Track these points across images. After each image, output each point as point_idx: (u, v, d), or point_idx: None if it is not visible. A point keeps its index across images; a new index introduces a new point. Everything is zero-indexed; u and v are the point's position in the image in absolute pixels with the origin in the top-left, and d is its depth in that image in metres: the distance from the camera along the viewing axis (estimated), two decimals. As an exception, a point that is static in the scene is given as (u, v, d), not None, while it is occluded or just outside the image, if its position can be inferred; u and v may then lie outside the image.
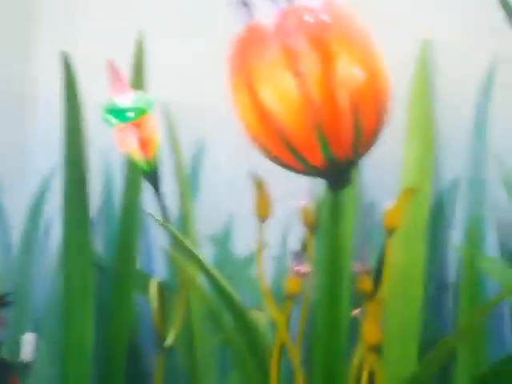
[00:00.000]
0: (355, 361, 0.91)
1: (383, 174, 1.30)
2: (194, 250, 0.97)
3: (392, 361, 1.26)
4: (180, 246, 1.02)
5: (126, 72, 1.19)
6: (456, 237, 1.32)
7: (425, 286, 1.13)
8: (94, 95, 1.17)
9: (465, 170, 1.30)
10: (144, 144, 1.02)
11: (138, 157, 1.01)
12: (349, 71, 0.70)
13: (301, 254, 0.87)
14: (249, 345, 1.00)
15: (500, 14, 0.93)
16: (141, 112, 0.98)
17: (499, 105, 1.28)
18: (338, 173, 0.77)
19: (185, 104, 1.45)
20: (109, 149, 1.53)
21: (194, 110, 1.48)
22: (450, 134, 1.30)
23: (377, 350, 0.91)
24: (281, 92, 0.71)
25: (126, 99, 0.98)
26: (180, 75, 1.53)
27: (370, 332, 0.84)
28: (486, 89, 1.26)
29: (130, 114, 0.97)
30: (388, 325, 1.18)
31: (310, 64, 0.70)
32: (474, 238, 1.04)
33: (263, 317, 1.17)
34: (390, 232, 0.87)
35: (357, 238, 1.21)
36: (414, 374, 0.91)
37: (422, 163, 1.17)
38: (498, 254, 1.29)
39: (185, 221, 1.15)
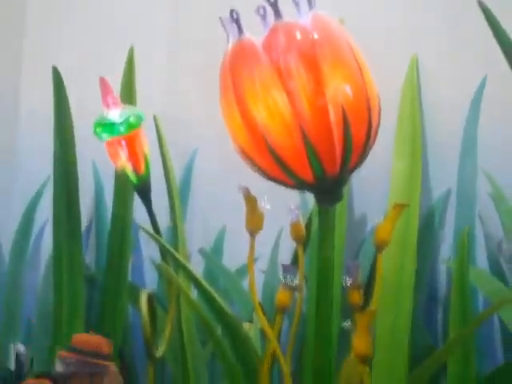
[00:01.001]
0: (345, 372, 0.91)
1: (373, 188, 1.30)
2: (185, 263, 0.97)
3: (382, 372, 1.27)
4: (171, 259, 1.02)
5: (117, 87, 1.20)
6: (445, 250, 1.32)
7: (415, 298, 1.13)
8: (85, 109, 1.17)
9: (454, 184, 1.30)
10: (134, 157, 1.02)
11: (129, 170, 1.01)
12: (338, 88, 0.71)
13: (291, 268, 0.88)
14: (239, 356, 1.01)
15: (489, 31, 0.93)
16: (131, 126, 0.98)
17: (488, 120, 1.29)
18: (328, 188, 0.78)
19: (175, 117, 1.46)
20: (100, 162, 1.53)
21: (185, 124, 1.48)
22: (439, 149, 1.31)
23: (367, 361, 0.91)
24: (271, 108, 0.72)
25: (117, 113, 0.98)
26: (170, 89, 1.54)
27: (360, 344, 0.85)
28: (476, 104, 1.26)
29: (121, 128, 0.97)
30: (378, 336, 1.19)
31: (300, 81, 0.70)
32: (464, 252, 1.05)
33: (254, 329, 1.17)
34: (381, 246, 0.87)
35: (347, 252, 1.22)
36: (406, 386, 0.91)
37: (411, 178, 1.17)
38: (487, 267, 1.29)
39: (175, 233, 1.15)
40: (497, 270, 1.30)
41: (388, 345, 1.23)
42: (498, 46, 0.90)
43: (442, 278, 1.34)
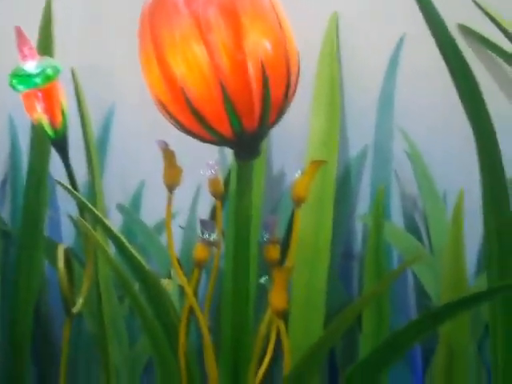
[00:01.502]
0: (262, 327, 0.92)
1: (291, 144, 1.30)
2: (103, 218, 0.96)
3: (298, 327, 1.29)
4: (88, 214, 1.01)
5: (34, 38, 1.17)
6: (362, 207, 1.34)
7: (331, 255, 1.14)
8: (1, 61, 1.14)
9: (371, 141, 1.31)
10: (51, 110, 1.01)
11: (45, 123, 0.99)
12: (258, 43, 0.71)
13: (209, 223, 0.88)
14: (157, 311, 1.00)
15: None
16: (48, 78, 0.96)
17: (406, 78, 1.30)
18: (246, 143, 0.78)
19: (94, 70, 1.43)
20: (15, 115, 1.50)
21: (103, 76, 1.46)
22: (356, 106, 1.32)
23: (284, 316, 0.92)
24: (190, 62, 0.71)
25: (33, 65, 0.96)
26: (88, 40, 1.51)
27: (277, 299, 0.86)
28: (394, 63, 1.27)
29: (37, 80, 0.95)
30: (295, 292, 1.20)
31: (220, 34, 0.70)
32: (379, 208, 1.06)
33: (172, 285, 1.17)
34: (298, 202, 0.88)
35: (265, 208, 1.22)
36: (320, 339, 0.93)
37: (329, 134, 1.18)
38: (402, 224, 1.32)
39: (93, 188, 1.14)
40: (412, 228, 1.32)
41: (304, 300, 1.24)
42: (416, 4, 0.90)
43: (358, 234, 1.36)
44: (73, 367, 3.73)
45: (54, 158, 1.14)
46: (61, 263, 1.05)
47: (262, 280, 0.86)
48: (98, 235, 1.03)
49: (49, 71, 0.96)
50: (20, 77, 0.96)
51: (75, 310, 1.09)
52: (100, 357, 3.01)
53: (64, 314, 1.24)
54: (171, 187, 0.85)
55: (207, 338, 0.99)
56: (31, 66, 0.96)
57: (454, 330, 1.04)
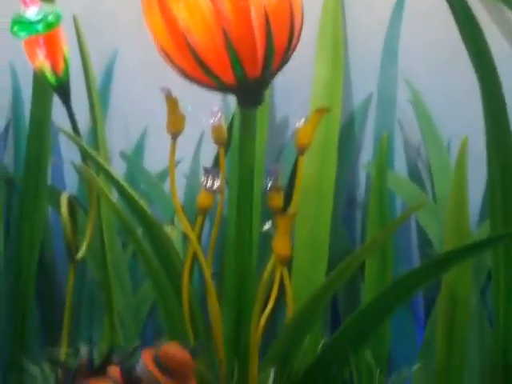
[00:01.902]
0: (266, 274, 0.92)
1: (295, 92, 1.30)
2: (106, 165, 0.96)
3: (301, 274, 1.29)
4: (91, 161, 1.01)
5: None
6: (365, 155, 1.34)
7: (335, 202, 1.14)
8: (3, 8, 1.13)
9: (375, 89, 1.30)
10: (53, 57, 1.00)
11: (48, 70, 0.99)
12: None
13: (213, 170, 0.87)
14: (161, 257, 1.01)
15: None
16: (49, 25, 0.96)
17: (410, 25, 1.29)
18: (249, 90, 0.77)
19: (96, 17, 1.42)
20: (17, 62, 1.49)
21: (104, 22, 1.45)
22: (361, 54, 1.31)
23: (287, 263, 0.93)
24: (193, 7, 0.70)
25: (35, 11, 0.95)
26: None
27: (280, 245, 0.86)
28: (398, 9, 1.26)
29: (39, 27, 0.95)
30: (298, 239, 1.20)
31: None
32: (383, 157, 1.06)
33: (176, 232, 1.17)
34: (302, 150, 0.88)
35: (268, 156, 1.22)
36: (323, 286, 0.93)
37: (333, 82, 1.17)
38: (406, 172, 1.31)
39: (96, 136, 1.14)
40: (415, 176, 1.32)
41: (308, 247, 1.24)
42: None
43: (362, 182, 1.36)
44: (77, 312, 3.75)
45: (57, 105, 1.13)
46: (64, 210, 1.05)
47: (266, 226, 0.86)
48: (101, 182, 1.02)
49: (50, 18, 0.95)
50: (21, 23, 0.95)
51: (79, 256, 1.09)
52: (104, 302, 3.03)
53: (68, 260, 1.24)
54: (174, 135, 0.85)
55: (210, 284, 0.99)
56: (33, 12, 0.95)
57: (456, 278, 1.04)
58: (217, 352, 2.09)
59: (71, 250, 1.09)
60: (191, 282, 1.11)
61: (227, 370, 2.32)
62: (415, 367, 1.17)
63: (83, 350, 1.58)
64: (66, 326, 2.68)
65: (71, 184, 1.55)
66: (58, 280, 2.72)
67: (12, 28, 0.97)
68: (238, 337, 2.81)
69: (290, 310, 1.13)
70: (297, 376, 2.50)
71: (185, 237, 1.09)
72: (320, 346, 2.46)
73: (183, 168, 1.39)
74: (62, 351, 2.72)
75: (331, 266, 1.21)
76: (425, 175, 1.34)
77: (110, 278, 1.38)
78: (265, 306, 1.42)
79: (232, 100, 0.91)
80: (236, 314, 2.41)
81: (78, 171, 1.41)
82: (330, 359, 1.83)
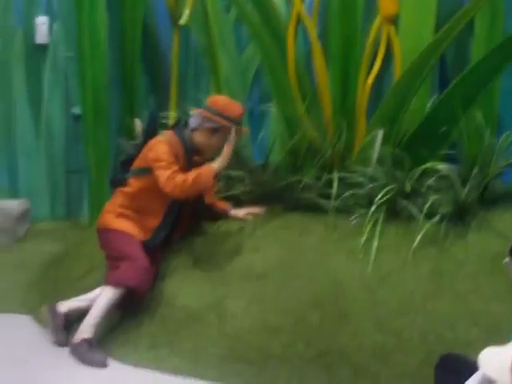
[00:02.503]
0: (372, 32, 0.90)
1: None
2: None
3: (409, 33, 1.26)
4: None
5: None
6: None
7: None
8: None
9: None
10: None
11: None
12: None
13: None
14: (265, 18, 1.00)
15: None
16: None
17: None
18: None
19: None
20: None
21: None
22: None
23: (394, 21, 0.90)
24: None
25: None
26: None
27: (387, 3, 0.83)
28: None
29: None
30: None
31: None
32: None
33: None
34: None
35: None
36: (431, 44, 0.90)
37: None
38: None
39: None
40: None
41: (415, 5, 1.21)
42: None
43: None
44: (183, 78, 3.80)
45: None
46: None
47: None
48: None
49: None
50: None
51: (182, 21, 1.09)
52: (209, 67, 3.06)
53: (171, 27, 1.25)
54: None
55: (316, 44, 0.98)
56: None
57: None
58: (324, 113, 2.11)
59: (174, 15, 1.09)
60: (296, 44, 1.10)
61: (335, 130, 2.37)
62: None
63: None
64: (174, 91, 2.76)
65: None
66: (163, 47, 2.74)
67: None
68: (345, 97, 2.83)
69: (398, 69, 1.11)
70: (404, 137, 2.53)
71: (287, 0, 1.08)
72: (428, 105, 2.45)
73: None
74: (171, 115, 2.81)
75: (439, 23, 1.17)
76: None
77: (215, 43, 1.38)
78: (371, 66, 1.41)
79: None
80: (342, 75, 2.41)
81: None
82: (439, 119, 1.84)
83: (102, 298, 3.26)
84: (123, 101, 5.30)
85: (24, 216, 5.29)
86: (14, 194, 5.88)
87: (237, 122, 3.42)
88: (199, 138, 3.47)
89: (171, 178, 3.28)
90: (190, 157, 3.52)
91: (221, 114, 3.37)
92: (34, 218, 5.40)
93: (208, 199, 3.75)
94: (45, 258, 4.38)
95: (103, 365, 3.15)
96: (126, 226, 3.50)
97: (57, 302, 3.49)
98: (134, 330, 3.25)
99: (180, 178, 3.30)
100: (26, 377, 3.00)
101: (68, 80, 5.61)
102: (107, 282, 3.31)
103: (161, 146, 3.39)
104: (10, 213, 5.12)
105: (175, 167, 3.35)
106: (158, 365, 3.06)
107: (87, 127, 5.24)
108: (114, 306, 3.28)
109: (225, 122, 3.40)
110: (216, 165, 3.39)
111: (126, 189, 3.56)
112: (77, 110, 5.66)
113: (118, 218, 3.50)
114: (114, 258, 3.42)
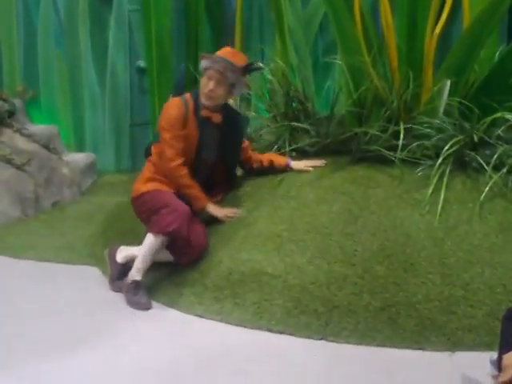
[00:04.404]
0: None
1: None
2: None
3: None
4: None
5: None
6: None
7: None
8: None
9: None
10: None
11: None
12: None
13: None
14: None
15: None
16: None
17: None
18: None
19: None
20: None
21: None
22: None
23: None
24: None
25: None
26: None
27: None
28: None
29: None
30: None
31: None
32: None
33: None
34: None
35: None
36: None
37: None
38: None
39: None
40: None
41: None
42: None
43: None
44: (247, 29, 3.81)
45: None
46: None
47: None
48: None
49: None
50: None
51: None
52: (274, 18, 3.05)
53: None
54: None
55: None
56: None
57: None
58: (390, 64, 2.09)
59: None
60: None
61: (401, 81, 2.34)
62: None
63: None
64: (238, 43, 2.78)
65: None
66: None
67: None
68: (412, 47, 2.80)
69: (466, 18, 1.10)
70: (472, 87, 2.49)
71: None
72: (497, 55, 2.40)
73: None
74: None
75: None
76: None
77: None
78: (439, 15, 1.39)
79: None
80: (409, 24, 2.38)
81: None
82: (508, 68, 1.81)
83: (145, 244, 3.38)
84: (187, 52, 5.33)
85: (90, 169, 5.48)
86: (80, 147, 5.96)
87: (227, 63, 3.45)
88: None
89: (173, 167, 3.44)
90: (198, 111, 3.54)
91: (214, 55, 3.53)
92: (100, 170, 5.63)
93: (250, 156, 3.84)
94: (110, 210, 4.53)
95: (147, 308, 3.28)
96: (155, 185, 3.60)
97: (116, 247, 3.63)
98: (199, 283, 3.32)
99: (179, 172, 3.45)
100: (93, 327, 3.12)
101: (132, 33, 5.65)
102: (149, 230, 3.41)
103: (168, 111, 3.53)
104: (77, 166, 5.32)
105: (179, 160, 3.44)
106: (223, 317, 3.13)
107: (152, 80, 5.27)
108: (157, 250, 3.36)
109: (216, 60, 3.49)
110: (210, 208, 3.53)
111: (151, 157, 3.70)
112: (141, 63, 5.68)
113: (146, 183, 3.61)
114: (151, 214, 3.49)
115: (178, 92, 3.91)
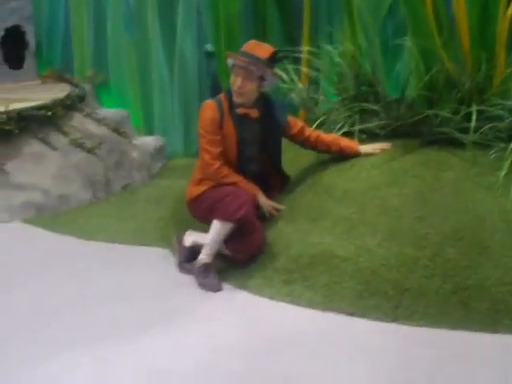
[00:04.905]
0: None
1: None
2: None
3: None
4: None
5: None
6: None
7: None
8: None
9: None
10: None
11: None
12: None
13: None
14: None
15: None
16: None
17: None
18: None
19: None
20: None
21: None
22: None
23: None
24: None
25: None
26: None
27: None
28: None
29: None
30: None
31: None
32: None
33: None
34: None
35: None
36: None
37: None
38: None
39: None
40: None
41: None
42: None
43: None
44: (315, 12, 3.79)
45: None
46: None
47: None
48: None
49: None
50: None
51: None
52: (342, 0, 3.03)
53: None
54: None
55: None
56: None
57: None
58: (462, 45, 2.06)
59: None
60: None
61: (473, 63, 2.30)
62: None
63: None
64: (306, 26, 2.76)
65: None
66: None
67: None
68: (484, 29, 2.75)
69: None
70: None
71: None
72: None
73: None
74: (303, 49, 2.82)
75: None
76: None
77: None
78: None
79: None
80: (481, 5, 2.34)
81: None
82: None
83: (211, 232, 3.41)
84: (255, 35, 5.31)
85: (159, 152, 5.54)
86: (149, 131, 6.01)
87: (253, 58, 3.45)
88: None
89: (213, 171, 3.45)
90: (233, 110, 3.55)
91: (239, 51, 3.56)
92: (169, 154, 5.65)
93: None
94: (179, 193, 4.52)
95: (217, 289, 3.33)
96: (209, 183, 3.62)
97: (184, 233, 3.71)
98: (269, 266, 3.34)
99: (219, 174, 3.45)
100: (163, 309, 3.16)
101: (200, 16, 5.66)
102: (216, 217, 3.42)
103: (202, 113, 3.57)
104: (146, 149, 5.41)
105: (217, 163, 3.45)
106: (293, 299, 3.14)
107: (221, 63, 5.29)
108: (225, 236, 3.39)
109: (238, 57, 3.50)
110: (261, 198, 3.56)
111: (198, 161, 3.74)
112: (209, 47, 5.66)
113: (199, 185, 3.63)
114: (211, 210, 3.49)
115: (215, 92, 3.91)
